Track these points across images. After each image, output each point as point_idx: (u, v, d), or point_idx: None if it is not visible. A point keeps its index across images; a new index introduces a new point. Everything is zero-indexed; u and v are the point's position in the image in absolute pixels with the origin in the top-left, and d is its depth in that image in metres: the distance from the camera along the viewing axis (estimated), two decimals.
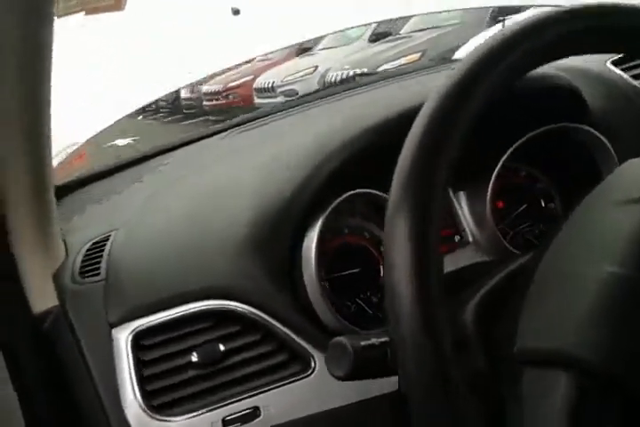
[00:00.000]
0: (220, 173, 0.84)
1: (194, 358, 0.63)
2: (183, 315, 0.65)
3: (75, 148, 0.99)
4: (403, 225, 0.41)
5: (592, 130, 0.74)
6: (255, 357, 0.64)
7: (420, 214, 0.41)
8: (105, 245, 0.76)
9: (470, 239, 0.78)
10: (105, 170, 1.07)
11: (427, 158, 0.43)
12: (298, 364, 0.65)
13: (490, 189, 0.75)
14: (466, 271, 0.76)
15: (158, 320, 0.64)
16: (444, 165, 0.44)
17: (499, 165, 0.75)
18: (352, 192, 0.69)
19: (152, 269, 0.70)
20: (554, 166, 0.82)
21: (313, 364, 0.64)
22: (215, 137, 1.06)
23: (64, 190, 1.01)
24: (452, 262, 0.77)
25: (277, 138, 0.90)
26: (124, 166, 1.06)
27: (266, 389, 0.63)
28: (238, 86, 2.11)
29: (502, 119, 0.74)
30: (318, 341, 0.65)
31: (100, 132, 1.12)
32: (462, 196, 0.79)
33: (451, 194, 0.79)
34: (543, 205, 0.84)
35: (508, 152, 0.74)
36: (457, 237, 0.79)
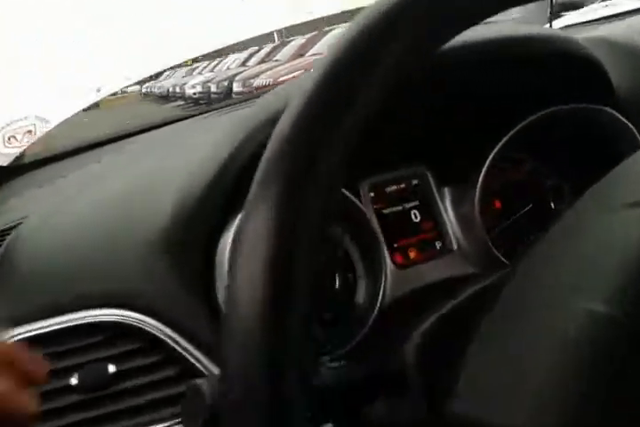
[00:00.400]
0: (152, 166, 0.71)
1: (74, 380, 0.50)
2: (67, 326, 0.51)
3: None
4: (255, 240, 0.26)
5: (615, 113, 0.58)
6: (153, 382, 0.51)
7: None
8: (9, 233, 0.64)
9: (454, 246, 0.63)
10: (67, 151, 0.96)
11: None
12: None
13: (479, 186, 0.59)
14: (445, 284, 0.61)
15: (37, 331, 0.51)
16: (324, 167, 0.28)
17: (491, 155, 0.59)
18: None
19: (47, 267, 0.57)
20: (566, 159, 0.66)
21: None
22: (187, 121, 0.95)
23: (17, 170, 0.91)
24: (429, 273, 0.61)
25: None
26: (83, 149, 0.95)
27: (164, 424, 0.50)
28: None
29: (501, 98, 0.59)
30: None
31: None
32: (446, 193, 0.64)
33: (433, 190, 0.64)
34: (552, 206, 0.67)
35: (505, 139, 0.59)
36: (438, 244, 0.63)
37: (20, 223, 0.65)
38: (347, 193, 0.57)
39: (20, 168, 0.94)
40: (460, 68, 0.54)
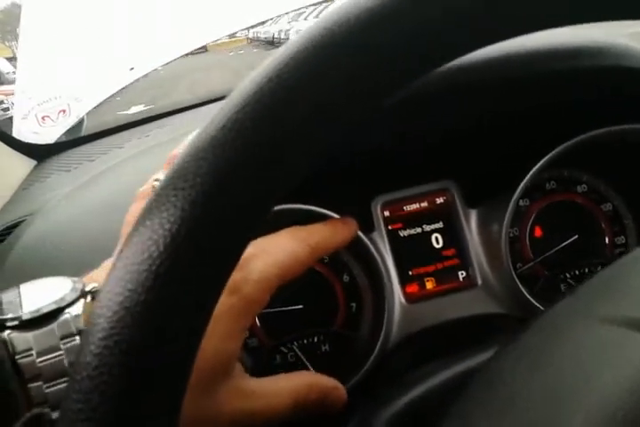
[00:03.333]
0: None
1: None
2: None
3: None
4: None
5: None
6: None
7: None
8: (12, 231, 0.61)
9: (479, 280, 0.53)
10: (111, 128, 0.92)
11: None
12: None
13: (510, 209, 0.49)
14: (464, 325, 0.52)
15: None
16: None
17: (528, 175, 0.49)
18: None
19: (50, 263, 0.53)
20: (627, 182, 0.54)
21: None
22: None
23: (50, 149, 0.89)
24: (445, 310, 0.53)
25: None
26: (119, 128, 0.91)
27: None
28: None
29: (544, 115, 0.49)
30: None
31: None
32: (473, 215, 0.54)
33: (459, 210, 0.54)
34: (607, 240, 0.56)
35: (546, 158, 0.48)
36: (461, 274, 0.54)
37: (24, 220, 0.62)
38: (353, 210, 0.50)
39: (58, 146, 0.92)
40: (499, 85, 0.44)
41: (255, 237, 0.23)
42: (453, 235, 0.54)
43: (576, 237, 0.54)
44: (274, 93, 0.22)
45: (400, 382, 0.41)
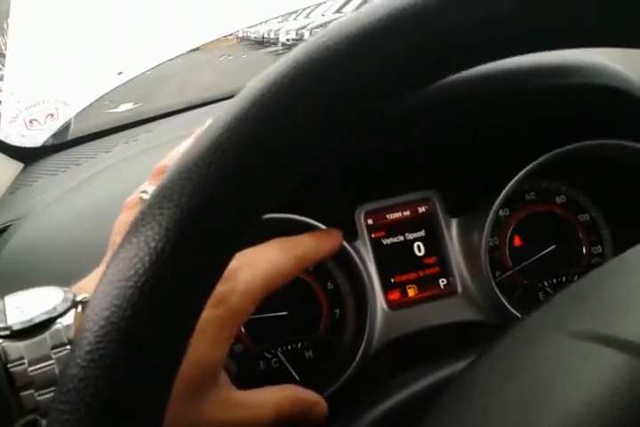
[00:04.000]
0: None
1: None
2: None
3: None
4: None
5: None
6: None
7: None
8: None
9: (459, 288, 0.55)
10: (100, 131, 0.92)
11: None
12: None
13: (489, 219, 0.50)
14: (444, 332, 0.53)
15: None
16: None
17: (508, 186, 0.50)
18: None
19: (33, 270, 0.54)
20: (604, 193, 0.56)
21: None
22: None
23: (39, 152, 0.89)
24: (426, 316, 0.54)
25: None
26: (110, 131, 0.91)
27: None
28: None
29: (522, 129, 0.50)
30: None
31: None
32: (454, 224, 0.55)
33: (441, 219, 0.55)
34: (584, 249, 0.57)
35: (525, 170, 0.49)
36: (442, 281, 0.55)
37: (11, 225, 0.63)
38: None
39: (45, 149, 0.92)
40: (479, 101, 0.46)
41: (239, 250, 0.24)
42: (435, 243, 0.55)
43: (554, 246, 0.56)
44: (258, 117, 0.23)
45: (380, 389, 0.42)
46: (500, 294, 0.51)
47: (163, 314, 0.21)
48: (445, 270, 0.55)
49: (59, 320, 0.28)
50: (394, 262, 0.55)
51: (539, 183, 0.57)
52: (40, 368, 0.27)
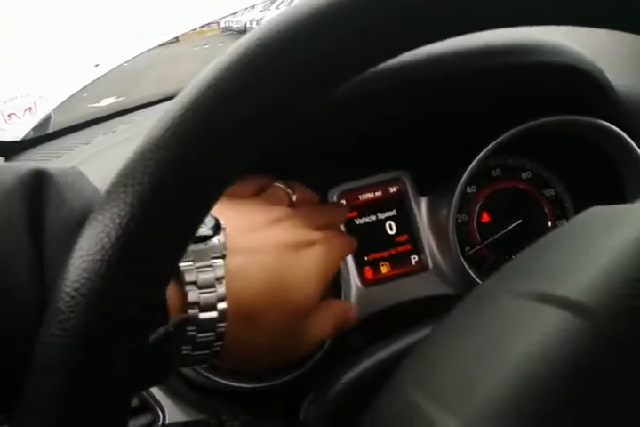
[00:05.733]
0: None
1: None
2: None
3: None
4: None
5: (608, 125, 0.50)
6: None
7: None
8: None
9: (430, 263, 0.57)
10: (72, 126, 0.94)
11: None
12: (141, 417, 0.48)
13: (456, 196, 0.52)
14: (415, 306, 0.55)
15: None
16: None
17: (472, 163, 0.52)
18: None
19: None
20: (567, 168, 0.58)
21: (161, 416, 0.48)
22: None
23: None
24: (399, 292, 0.56)
25: None
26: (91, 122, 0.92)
27: None
28: None
29: (485, 107, 0.52)
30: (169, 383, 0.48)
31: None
32: (424, 202, 0.57)
33: (411, 198, 0.57)
34: (549, 223, 0.60)
35: (488, 148, 0.51)
36: (414, 258, 0.57)
37: None
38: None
39: (25, 143, 0.93)
40: (438, 81, 0.47)
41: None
42: (406, 222, 0.57)
43: (521, 221, 0.58)
44: (213, 98, 0.24)
45: (353, 356, 0.44)
46: (468, 269, 0.53)
47: (129, 286, 0.23)
48: (416, 247, 0.57)
49: (216, 237, 0.33)
50: (367, 241, 0.57)
51: (504, 160, 0.59)
52: (203, 270, 0.31)
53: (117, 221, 0.23)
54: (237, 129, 0.25)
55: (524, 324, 0.25)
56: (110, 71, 0.91)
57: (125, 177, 0.24)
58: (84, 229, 0.24)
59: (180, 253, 0.25)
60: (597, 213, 0.30)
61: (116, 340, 0.23)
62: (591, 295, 0.23)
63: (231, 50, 0.26)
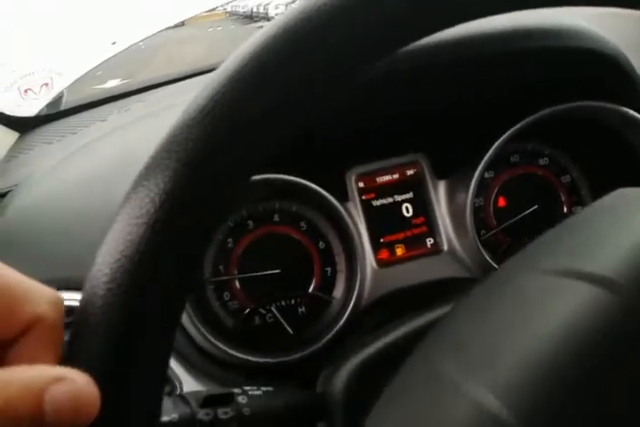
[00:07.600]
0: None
1: None
2: None
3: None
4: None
5: (631, 112, 0.50)
6: None
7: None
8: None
9: (445, 246, 0.57)
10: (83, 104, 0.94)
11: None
12: None
13: (474, 180, 0.52)
14: (430, 288, 0.56)
15: None
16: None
17: (492, 148, 0.52)
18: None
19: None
20: (585, 155, 0.58)
21: (179, 389, 0.48)
22: None
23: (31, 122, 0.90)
24: (413, 274, 0.57)
25: None
26: (102, 101, 0.92)
27: None
28: None
29: (506, 92, 0.52)
30: (187, 356, 0.49)
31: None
32: (441, 186, 0.57)
33: (428, 181, 0.58)
34: (565, 209, 0.60)
35: (508, 133, 0.52)
36: (429, 241, 0.58)
37: (10, 191, 0.64)
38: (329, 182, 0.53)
39: (40, 119, 0.93)
40: (461, 64, 0.47)
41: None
42: (422, 204, 0.58)
43: (536, 206, 0.58)
44: (257, 68, 0.25)
45: (367, 336, 0.44)
46: (484, 252, 0.53)
47: (172, 249, 0.23)
48: (432, 230, 0.57)
49: None
50: (383, 223, 0.57)
51: (523, 146, 0.59)
52: None
53: (161, 186, 0.23)
54: (280, 101, 0.25)
55: (550, 299, 0.25)
56: (123, 50, 0.91)
57: (169, 144, 0.24)
58: (127, 194, 0.24)
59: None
60: (625, 195, 0.30)
61: (159, 297, 0.23)
62: (619, 271, 0.23)
63: (275, 22, 0.26)
